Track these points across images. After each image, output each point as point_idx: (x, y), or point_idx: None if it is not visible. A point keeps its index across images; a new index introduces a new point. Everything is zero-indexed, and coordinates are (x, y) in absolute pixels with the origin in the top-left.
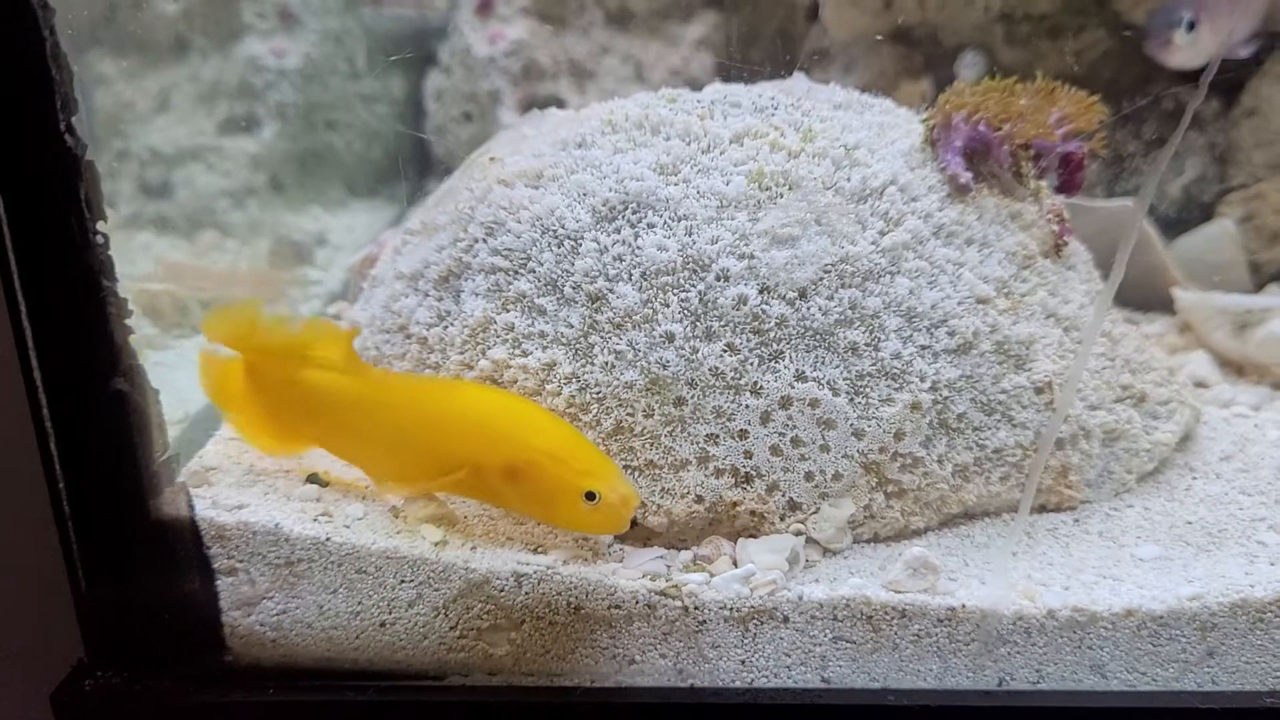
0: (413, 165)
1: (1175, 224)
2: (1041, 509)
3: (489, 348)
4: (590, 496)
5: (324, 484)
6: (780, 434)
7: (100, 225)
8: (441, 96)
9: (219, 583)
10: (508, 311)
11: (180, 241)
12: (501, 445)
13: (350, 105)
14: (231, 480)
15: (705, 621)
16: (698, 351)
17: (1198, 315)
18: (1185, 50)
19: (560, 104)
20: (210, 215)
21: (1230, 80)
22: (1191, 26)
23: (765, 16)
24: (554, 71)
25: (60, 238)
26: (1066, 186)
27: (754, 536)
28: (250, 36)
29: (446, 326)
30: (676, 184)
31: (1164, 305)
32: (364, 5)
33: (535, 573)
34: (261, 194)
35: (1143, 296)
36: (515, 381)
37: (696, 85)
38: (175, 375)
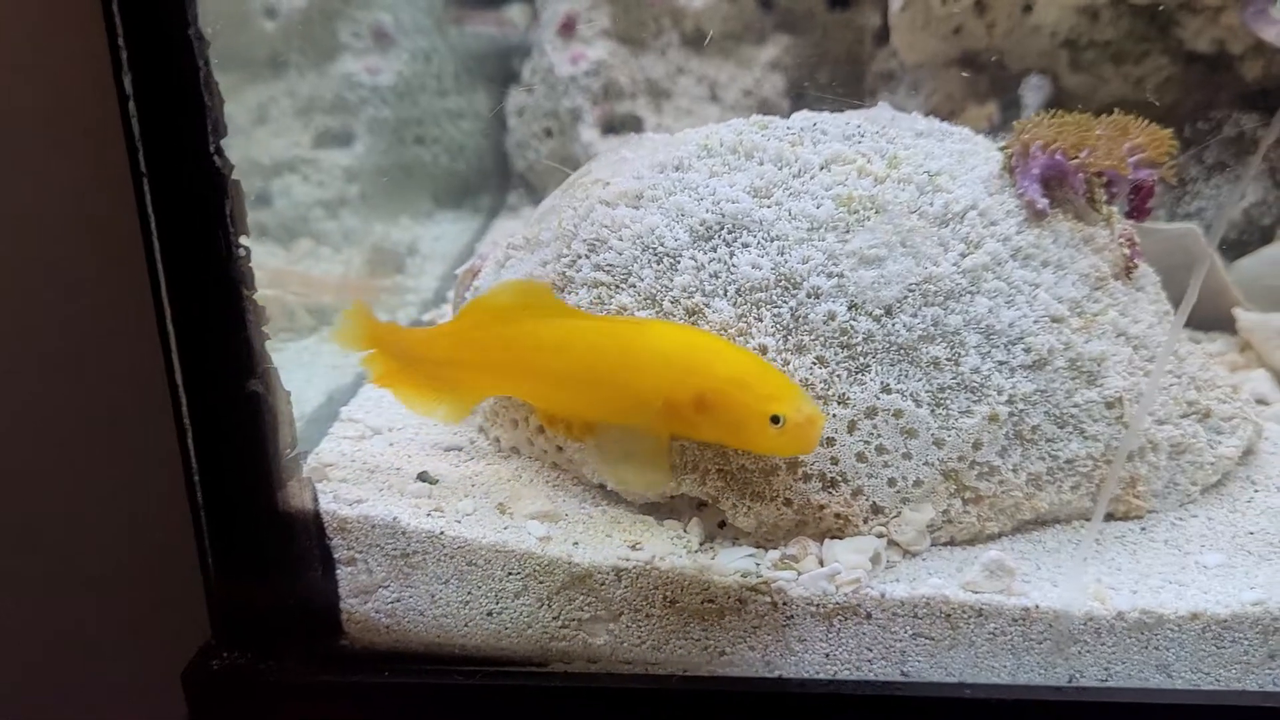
0: (494, 179)
1: (1236, 246)
2: (1110, 517)
3: None
4: (775, 420)
5: (433, 482)
6: (866, 442)
7: (243, 239)
8: (523, 113)
9: (339, 571)
10: None
11: (277, 249)
12: (690, 378)
13: (438, 121)
14: (347, 476)
15: (793, 616)
16: (789, 364)
17: (1258, 335)
18: None
19: (638, 122)
20: (305, 224)
21: None
22: None
23: (834, 40)
24: (632, 91)
25: (207, 250)
26: (1136, 213)
27: (838, 538)
28: (346, 55)
29: None
30: (769, 206)
31: (1225, 325)
32: (450, 24)
33: (634, 567)
34: (353, 204)
35: (1204, 316)
36: None
37: (769, 106)
38: (285, 376)
